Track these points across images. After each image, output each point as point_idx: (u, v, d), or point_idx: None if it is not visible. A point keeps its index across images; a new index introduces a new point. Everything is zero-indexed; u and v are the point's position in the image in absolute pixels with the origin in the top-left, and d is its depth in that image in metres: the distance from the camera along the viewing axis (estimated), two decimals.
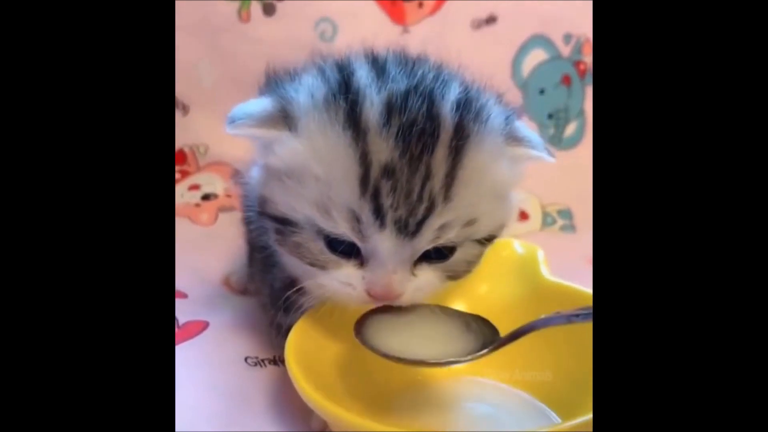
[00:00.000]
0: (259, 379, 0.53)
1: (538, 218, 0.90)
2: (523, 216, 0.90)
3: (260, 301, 0.61)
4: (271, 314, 0.55)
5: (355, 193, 0.40)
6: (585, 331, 0.38)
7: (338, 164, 0.40)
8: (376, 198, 0.40)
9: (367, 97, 0.41)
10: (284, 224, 0.43)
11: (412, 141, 0.39)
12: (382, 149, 0.39)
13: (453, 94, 0.42)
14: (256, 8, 0.93)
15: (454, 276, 0.45)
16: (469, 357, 0.43)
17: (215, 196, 0.90)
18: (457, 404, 0.49)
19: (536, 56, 0.97)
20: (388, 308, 0.44)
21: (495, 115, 0.43)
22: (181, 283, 0.68)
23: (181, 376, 0.49)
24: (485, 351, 0.43)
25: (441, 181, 0.40)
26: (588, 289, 0.49)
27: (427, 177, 0.40)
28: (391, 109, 0.40)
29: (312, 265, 0.44)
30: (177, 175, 0.91)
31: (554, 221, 0.90)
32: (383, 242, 0.41)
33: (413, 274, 0.43)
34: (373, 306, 0.44)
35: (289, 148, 0.42)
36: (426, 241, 0.41)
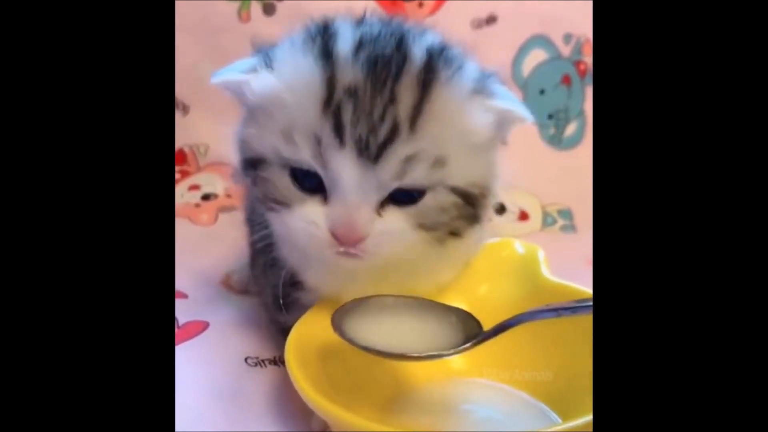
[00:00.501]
0: (259, 380, 0.53)
1: (538, 218, 0.90)
2: (524, 216, 0.90)
3: (262, 300, 0.61)
4: (272, 313, 0.55)
5: (317, 113, 0.40)
6: (585, 330, 0.38)
7: (305, 88, 0.41)
8: (337, 115, 0.40)
9: (341, 34, 0.42)
10: (256, 166, 0.44)
11: (377, 66, 0.41)
12: (348, 74, 0.41)
13: (426, 40, 0.44)
14: (256, 8, 0.93)
15: (427, 226, 0.43)
16: (452, 350, 0.43)
17: (215, 196, 0.90)
18: (458, 406, 0.49)
19: (536, 56, 0.96)
20: (368, 300, 0.44)
21: (468, 68, 0.44)
22: (181, 283, 0.68)
23: (181, 377, 0.49)
24: (468, 345, 0.43)
25: (407, 110, 0.40)
26: (588, 289, 0.49)
27: (391, 101, 0.40)
28: (361, 42, 0.42)
29: (278, 203, 0.44)
30: (177, 175, 0.91)
31: (554, 221, 0.90)
32: (343, 165, 0.40)
33: (379, 215, 0.42)
34: (338, 250, 0.43)
35: (263, 83, 0.43)
36: (391, 172, 0.40)
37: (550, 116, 0.97)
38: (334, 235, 0.42)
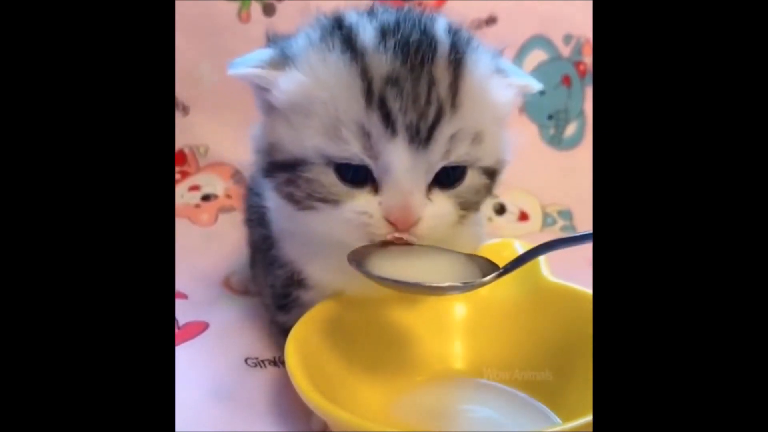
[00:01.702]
0: (259, 380, 0.53)
1: (538, 219, 0.90)
2: (524, 216, 0.90)
3: (262, 300, 0.61)
4: (272, 313, 0.55)
5: (361, 106, 0.41)
6: (585, 331, 0.38)
7: (341, 84, 0.41)
8: (383, 106, 0.40)
9: (360, 26, 0.43)
10: (294, 168, 0.43)
11: (410, 52, 0.41)
12: (381, 63, 0.41)
13: (442, 23, 0.45)
14: (256, 8, 0.93)
15: (466, 205, 0.45)
16: (469, 283, 0.43)
17: (215, 196, 0.90)
18: (458, 407, 0.49)
19: (536, 57, 0.97)
20: (387, 244, 0.44)
21: (482, 47, 0.46)
22: (181, 283, 0.68)
23: (181, 377, 0.49)
24: (487, 278, 0.43)
25: (446, 89, 0.41)
26: (588, 290, 0.49)
27: (432, 83, 0.41)
28: (384, 31, 0.42)
29: (325, 201, 0.43)
30: (177, 176, 0.91)
31: (554, 222, 0.90)
32: (396, 153, 0.41)
33: (429, 199, 0.43)
34: (390, 237, 0.43)
35: (293, 82, 0.43)
36: (439, 153, 0.42)
37: (550, 117, 0.97)
38: (390, 222, 0.42)
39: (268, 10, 0.93)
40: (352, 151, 0.41)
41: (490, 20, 0.95)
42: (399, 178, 0.41)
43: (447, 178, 0.43)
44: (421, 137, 0.41)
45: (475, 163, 0.44)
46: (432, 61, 0.41)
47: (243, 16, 0.93)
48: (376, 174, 0.42)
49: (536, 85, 0.47)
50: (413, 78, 0.41)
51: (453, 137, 0.42)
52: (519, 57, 0.96)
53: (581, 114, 0.97)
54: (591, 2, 0.39)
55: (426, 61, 0.41)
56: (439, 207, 0.43)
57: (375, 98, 0.40)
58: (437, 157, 0.42)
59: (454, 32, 0.44)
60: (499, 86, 0.45)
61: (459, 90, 0.42)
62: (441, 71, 0.41)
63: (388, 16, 0.44)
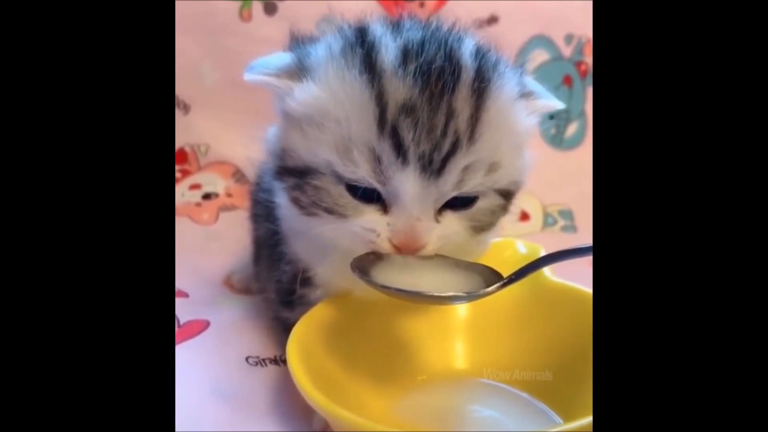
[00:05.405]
0: (260, 379, 0.53)
1: (539, 219, 0.90)
2: (525, 216, 0.90)
3: (265, 298, 0.61)
4: (276, 309, 0.55)
5: (373, 133, 0.40)
6: (585, 331, 0.38)
7: (355, 106, 0.40)
8: (395, 135, 0.39)
9: (383, 44, 0.42)
10: (304, 175, 0.43)
11: (431, 80, 0.40)
12: (399, 89, 0.40)
13: (469, 44, 0.43)
14: (257, 8, 0.93)
15: (479, 227, 0.44)
16: (473, 293, 0.43)
17: (216, 195, 0.90)
18: (459, 407, 0.50)
19: (537, 57, 0.96)
20: (389, 254, 0.43)
21: (509, 68, 0.44)
22: (181, 282, 0.68)
23: (181, 376, 0.49)
24: (490, 289, 0.43)
25: (466, 121, 0.40)
26: (589, 289, 0.49)
27: (451, 115, 0.40)
28: (407, 53, 0.41)
29: (331, 212, 0.43)
30: (178, 175, 0.92)
31: (555, 222, 0.90)
32: (406, 182, 0.40)
33: (437, 221, 0.42)
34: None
35: (308, 94, 0.42)
36: (451, 183, 0.41)
37: (551, 117, 0.96)
38: (394, 245, 0.42)
39: (270, 10, 0.93)
40: (361, 174, 0.41)
41: (492, 20, 0.95)
42: (407, 205, 0.41)
43: (459, 201, 0.43)
44: (434, 168, 0.40)
45: (488, 190, 0.43)
46: (453, 90, 0.40)
47: (244, 15, 0.93)
48: (385, 197, 0.42)
49: (560, 104, 0.47)
50: (431, 108, 0.39)
51: (467, 168, 0.41)
52: (520, 57, 0.96)
53: (582, 114, 0.97)
54: (591, 2, 0.39)
55: (446, 91, 0.40)
56: (448, 229, 0.43)
57: (388, 126, 0.40)
58: (449, 187, 0.41)
59: (481, 56, 0.43)
60: (522, 113, 0.44)
61: (479, 121, 0.40)
62: (462, 102, 0.40)
63: (414, 34, 0.42)
